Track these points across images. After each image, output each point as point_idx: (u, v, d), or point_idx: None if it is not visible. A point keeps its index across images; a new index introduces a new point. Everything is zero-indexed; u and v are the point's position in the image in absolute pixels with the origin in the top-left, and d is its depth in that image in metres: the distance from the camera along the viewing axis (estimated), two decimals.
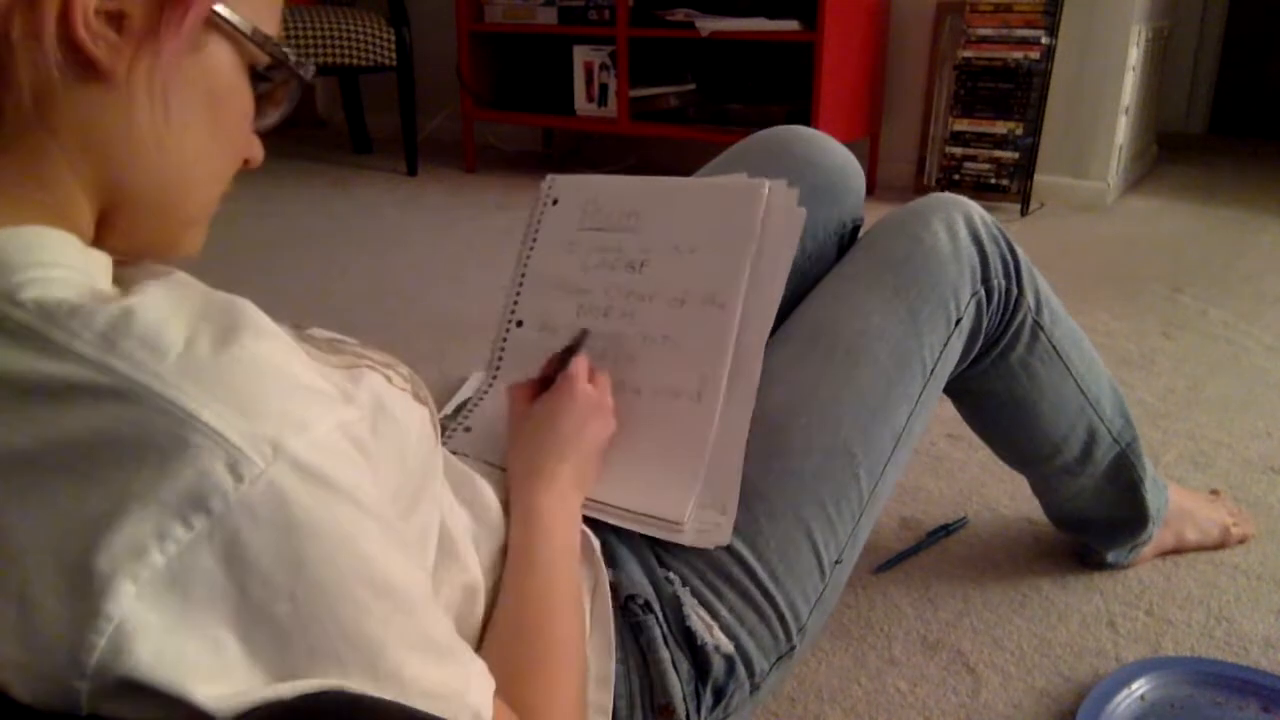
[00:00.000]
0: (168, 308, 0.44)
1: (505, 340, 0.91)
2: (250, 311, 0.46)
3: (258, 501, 0.41)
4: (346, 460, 0.45)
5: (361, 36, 3.15)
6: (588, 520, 0.76)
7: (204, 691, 0.40)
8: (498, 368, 0.90)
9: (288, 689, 0.42)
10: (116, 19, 0.44)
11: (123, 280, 0.50)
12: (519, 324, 0.90)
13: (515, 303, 0.91)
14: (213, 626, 0.40)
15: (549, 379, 0.79)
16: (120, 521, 0.39)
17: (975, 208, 0.91)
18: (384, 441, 0.52)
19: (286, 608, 0.42)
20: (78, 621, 0.39)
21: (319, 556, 0.43)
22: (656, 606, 0.71)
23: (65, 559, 0.39)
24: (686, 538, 0.74)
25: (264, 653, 0.42)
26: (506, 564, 0.66)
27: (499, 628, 0.63)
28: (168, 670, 0.39)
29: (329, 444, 0.44)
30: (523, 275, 0.92)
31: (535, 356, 0.85)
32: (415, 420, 0.57)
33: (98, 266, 0.49)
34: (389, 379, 0.56)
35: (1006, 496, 1.32)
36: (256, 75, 0.52)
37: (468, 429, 0.84)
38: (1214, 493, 1.28)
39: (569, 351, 0.79)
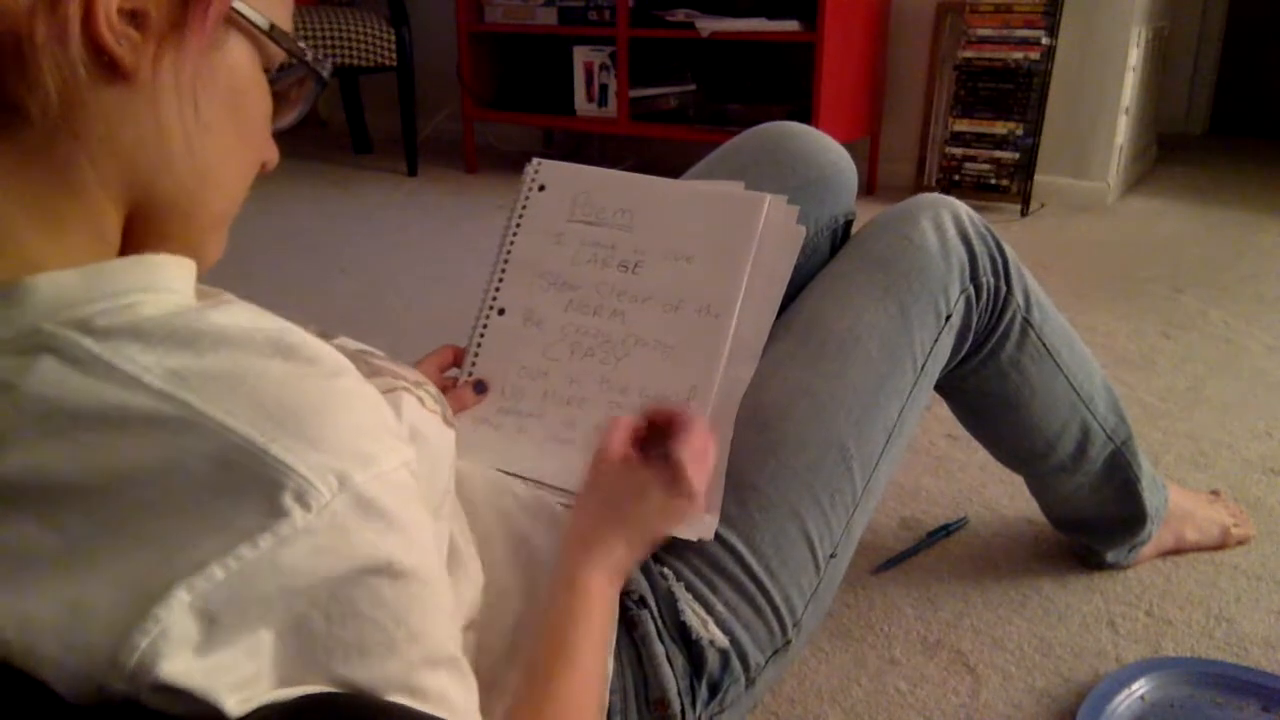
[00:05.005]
0: (233, 347, 0.44)
1: (485, 328, 0.88)
2: (317, 345, 0.46)
3: (320, 530, 0.41)
4: (406, 497, 0.46)
5: (361, 36, 3.15)
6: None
7: (232, 700, 0.41)
8: (476, 356, 0.87)
9: (289, 692, 0.42)
10: (138, 17, 0.44)
11: None
12: (500, 312, 0.88)
13: (497, 289, 0.89)
14: (252, 639, 0.41)
15: (657, 427, 0.71)
16: (193, 548, 0.40)
17: (963, 207, 0.91)
18: (420, 466, 0.52)
19: (323, 630, 0.43)
20: (125, 622, 0.40)
21: (366, 590, 0.43)
22: (651, 601, 0.71)
23: (133, 577, 0.40)
24: None
25: (288, 669, 0.42)
26: (537, 633, 0.63)
27: (515, 698, 0.60)
28: (200, 678, 0.40)
29: (394, 480, 0.45)
30: (505, 262, 0.89)
31: (517, 348, 0.84)
32: (446, 444, 0.58)
33: (183, 281, 0.49)
34: (421, 400, 0.57)
35: (1006, 496, 1.32)
36: (273, 74, 0.52)
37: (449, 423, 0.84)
38: (1214, 493, 1.28)
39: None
